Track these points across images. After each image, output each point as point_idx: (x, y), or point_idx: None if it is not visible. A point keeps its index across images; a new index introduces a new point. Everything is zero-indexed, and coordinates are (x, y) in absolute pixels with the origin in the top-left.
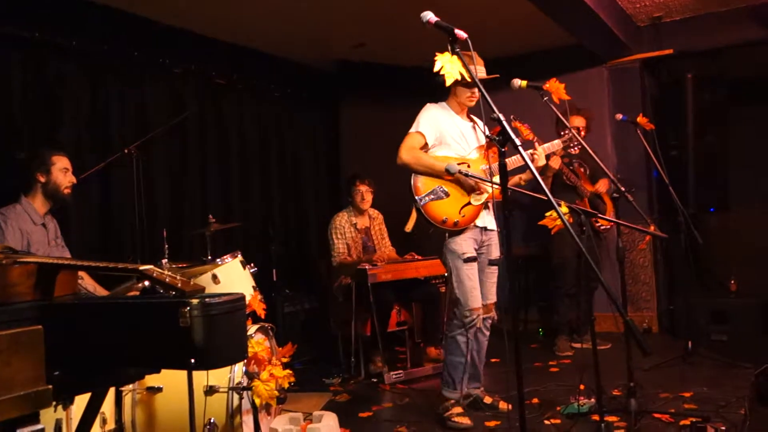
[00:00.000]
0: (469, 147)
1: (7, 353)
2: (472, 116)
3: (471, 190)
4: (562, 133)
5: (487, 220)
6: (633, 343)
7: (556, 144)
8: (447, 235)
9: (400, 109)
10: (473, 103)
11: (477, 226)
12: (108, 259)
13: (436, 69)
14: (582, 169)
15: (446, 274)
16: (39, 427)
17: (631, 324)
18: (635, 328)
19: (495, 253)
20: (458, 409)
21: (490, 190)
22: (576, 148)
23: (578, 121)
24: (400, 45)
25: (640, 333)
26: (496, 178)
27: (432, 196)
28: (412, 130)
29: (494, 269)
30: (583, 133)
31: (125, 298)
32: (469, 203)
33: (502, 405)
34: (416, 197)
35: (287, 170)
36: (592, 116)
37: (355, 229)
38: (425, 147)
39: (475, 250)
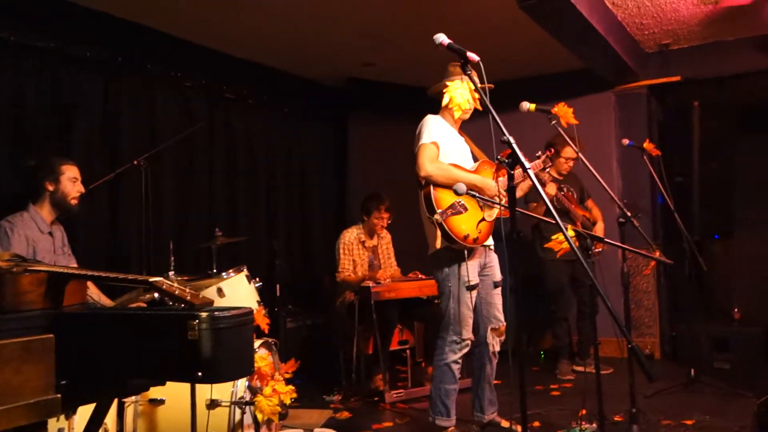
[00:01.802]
0: (469, 161)
1: (19, 361)
2: (462, 131)
3: (485, 205)
4: (538, 153)
5: (490, 239)
6: (636, 369)
7: (537, 164)
8: (466, 254)
9: (407, 128)
10: (467, 116)
11: (483, 246)
12: (114, 269)
13: (444, 103)
14: (570, 193)
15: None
16: None
17: (636, 349)
18: (641, 353)
19: (498, 274)
20: None
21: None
22: (546, 169)
23: (570, 152)
24: (410, 65)
25: (645, 358)
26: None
27: (452, 211)
28: (425, 141)
29: (498, 291)
30: (572, 163)
31: (134, 310)
32: (483, 219)
33: (519, 428)
34: (437, 210)
35: (294, 185)
36: (583, 148)
37: (363, 246)
38: (437, 158)
39: (479, 273)
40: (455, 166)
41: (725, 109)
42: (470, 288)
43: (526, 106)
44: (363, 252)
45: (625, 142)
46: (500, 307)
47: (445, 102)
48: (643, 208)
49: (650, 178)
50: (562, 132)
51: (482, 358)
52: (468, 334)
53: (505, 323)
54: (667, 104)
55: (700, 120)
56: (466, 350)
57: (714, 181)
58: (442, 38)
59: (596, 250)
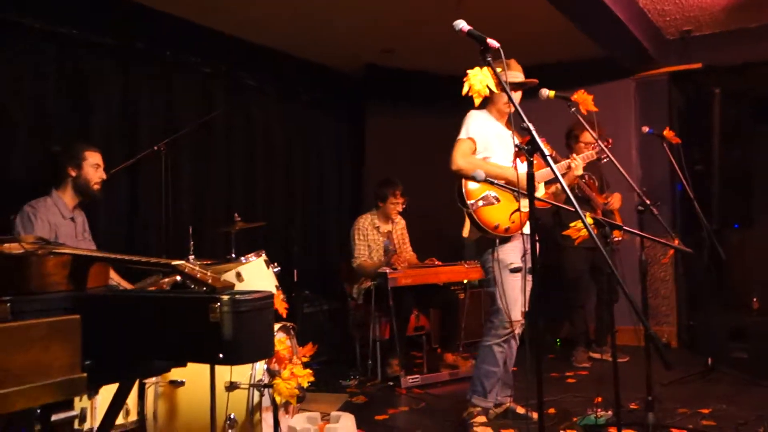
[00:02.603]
0: (511, 154)
1: (47, 340)
2: (509, 124)
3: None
4: (594, 145)
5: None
6: (653, 357)
7: (591, 155)
8: (498, 241)
9: (425, 116)
10: (512, 109)
11: (523, 234)
12: (133, 253)
13: (464, 92)
14: (591, 181)
15: (477, 281)
16: (73, 413)
17: (654, 337)
18: (659, 341)
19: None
20: (482, 419)
21: (539, 195)
22: (603, 160)
23: (589, 137)
24: (429, 52)
25: (663, 346)
26: (541, 186)
27: (483, 202)
28: (462, 136)
29: (530, 278)
30: (591, 149)
31: (157, 292)
32: (518, 209)
33: (535, 415)
34: (468, 202)
35: (311, 172)
36: (603, 133)
37: (378, 232)
38: (474, 153)
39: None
40: (497, 165)
41: (747, 97)
42: (514, 270)
43: (546, 93)
44: (378, 237)
45: (645, 129)
46: (527, 293)
47: (465, 91)
48: (662, 197)
49: (670, 166)
50: (581, 119)
51: None
52: (516, 316)
53: (527, 308)
54: (688, 92)
55: (721, 108)
56: (511, 334)
57: (734, 170)
58: (462, 24)
59: (616, 238)
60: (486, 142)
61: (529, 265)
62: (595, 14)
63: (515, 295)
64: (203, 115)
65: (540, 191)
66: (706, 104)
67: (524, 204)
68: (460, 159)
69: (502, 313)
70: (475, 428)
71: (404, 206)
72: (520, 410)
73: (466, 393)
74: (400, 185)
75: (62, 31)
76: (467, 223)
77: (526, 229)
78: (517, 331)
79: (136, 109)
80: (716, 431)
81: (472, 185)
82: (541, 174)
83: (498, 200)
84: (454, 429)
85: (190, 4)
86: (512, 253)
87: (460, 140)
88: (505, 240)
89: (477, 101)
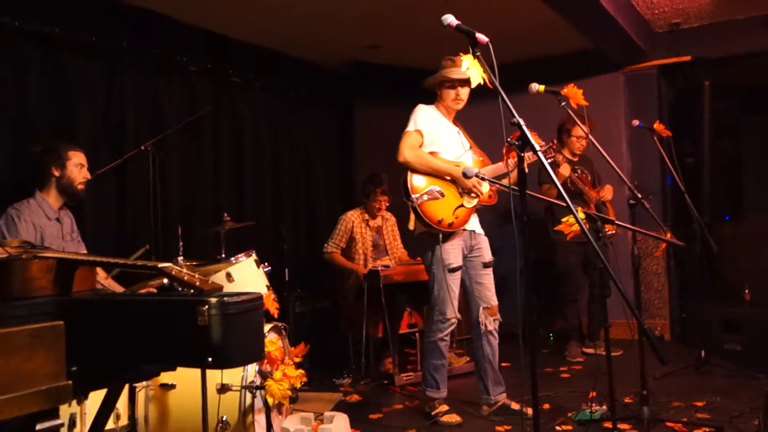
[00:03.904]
0: (458, 150)
1: (29, 348)
2: (457, 122)
3: (464, 192)
4: (541, 143)
5: (474, 223)
6: (646, 351)
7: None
8: (440, 237)
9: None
10: (460, 106)
11: (465, 230)
12: (122, 255)
13: (463, 68)
14: (584, 175)
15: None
16: (58, 422)
17: (649, 332)
18: (653, 336)
19: (487, 255)
20: (444, 407)
21: (483, 192)
22: (548, 159)
23: (581, 131)
24: (415, 47)
25: (658, 341)
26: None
27: (428, 196)
28: (410, 129)
29: (489, 271)
30: (584, 142)
31: (143, 296)
32: (462, 205)
33: (530, 411)
34: (412, 195)
35: (300, 170)
36: (594, 126)
37: (368, 226)
38: (421, 146)
39: (465, 255)
40: (444, 160)
41: (736, 89)
42: (452, 270)
43: (536, 87)
44: (367, 231)
45: (635, 123)
46: (491, 286)
47: (465, 67)
48: (653, 190)
49: (660, 160)
50: (571, 113)
51: (479, 339)
52: (452, 313)
53: (497, 302)
54: (678, 84)
55: (711, 100)
56: (451, 328)
57: (725, 162)
58: (450, 19)
59: (609, 232)
60: (433, 135)
61: (486, 259)
62: (583, 7)
63: (452, 294)
64: (190, 114)
65: (485, 187)
66: (695, 97)
67: (468, 201)
68: (407, 151)
69: (438, 309)
70: (441, 418)
71: (387, 204)
72: (515, 406)
73: (461, 389)
74: (384, 184)
75: (45, 30)
76: (412, 216)
77: (469, 225)
78: (493, 326)
79: (121, 109)
80: (711, 424)
81: (417, 180)
82: (488, 170)
83: (442, 195)
84: (423, 422)
85: (175, 2)
86: (452, 253)
87: (407, 132)
88: (447, 237)
89: (474, 83)
